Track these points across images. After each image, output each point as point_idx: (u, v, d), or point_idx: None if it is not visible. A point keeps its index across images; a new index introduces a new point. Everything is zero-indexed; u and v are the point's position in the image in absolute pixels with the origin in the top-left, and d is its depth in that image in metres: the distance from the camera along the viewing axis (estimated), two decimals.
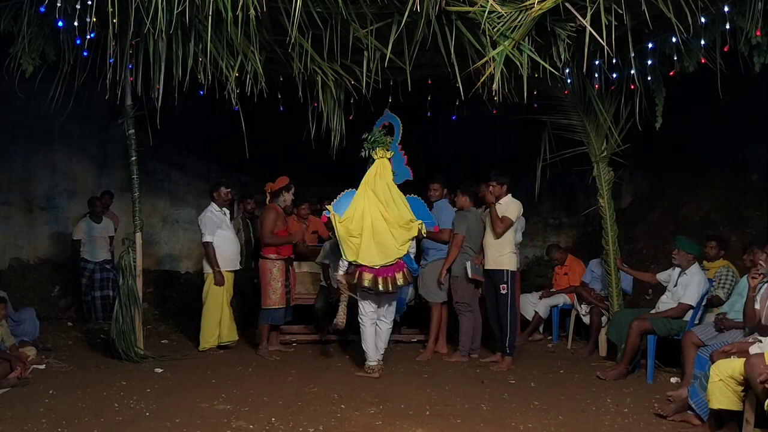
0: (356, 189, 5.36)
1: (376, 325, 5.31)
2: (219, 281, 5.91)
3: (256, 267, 6.77)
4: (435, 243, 5.91)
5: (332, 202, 5.37)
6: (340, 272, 5.25)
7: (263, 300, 5.88)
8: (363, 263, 5.09)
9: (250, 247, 6.97)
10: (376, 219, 5.19)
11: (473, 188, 6.00)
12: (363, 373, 5.26)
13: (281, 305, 5.89)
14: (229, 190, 6.20)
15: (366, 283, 5.06)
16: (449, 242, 5.86)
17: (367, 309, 5.25)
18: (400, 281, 5.14)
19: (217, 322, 5.99)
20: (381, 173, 5.35)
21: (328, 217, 5.27)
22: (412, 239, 5.30)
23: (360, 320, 5.29)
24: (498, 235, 5.51)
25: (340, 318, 5.35)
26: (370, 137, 5.43)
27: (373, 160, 5.41)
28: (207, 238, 5.91)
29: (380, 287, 5.06)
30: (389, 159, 5.43)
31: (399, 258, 5.15)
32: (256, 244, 6.69)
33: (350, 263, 5.17)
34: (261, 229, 5.89)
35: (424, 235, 5.48)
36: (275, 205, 5.94)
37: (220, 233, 5.98)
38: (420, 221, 5.28)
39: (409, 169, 5.50)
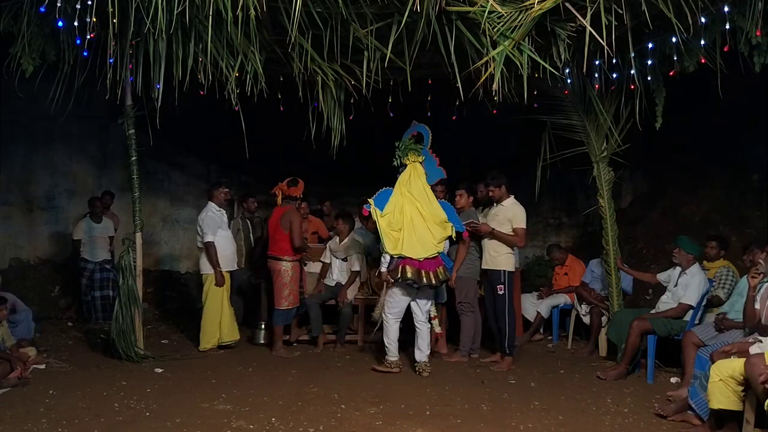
0: (392, 188, 5.50)
1: (399, 323, 5.43)
2: (220, 281, 5.91)
3: (256, 267, 6.80)
4: None
5: (372, 198, 5.48)
6: (383, 268, 5.37)
7: (277, 301, 5.91)
8: (407, 255, 5.22)
9: (249, 247, 6.98)
10: (414, 215, 5.35)
11: (474, 188, 6.01)
12: (384, 368, 5.35)
13: (295, 305, 5.94)
14: (228, 190, 6.21)
15: (410, 275, 5.17)
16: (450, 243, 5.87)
17: (394, 307, 5.35)
18: (441, 276, 5.29)
19: (218, 321, 5.98)
20: (415, 175, 5.49)
21: (369, 211, 5.42)
22: (447, 239, 5.45)
23: (385, 317, 5.38)
24: (523, 245, 5.79)
25: (377, 312, 5.54)
26: (401, 145, 5.54)
27: (405, 166, 5.53)
28: (209, 238, 5.91)
29: (424, 280, 5.19)
30: (421, 163, 5.55)
31: (438, 253, 5.31)
32: (264, 244, 6.66)
33: (392, 258, 5.28)
34: (290, 234, 5.86)
35: (455, 240, 5.61)
36: (295, 209, 5.98)
37: (220, 233, 5.99)
38: (451, 224, 5.41)
39: (443, 169, 5.68)
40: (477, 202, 6.17)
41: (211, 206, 6.07)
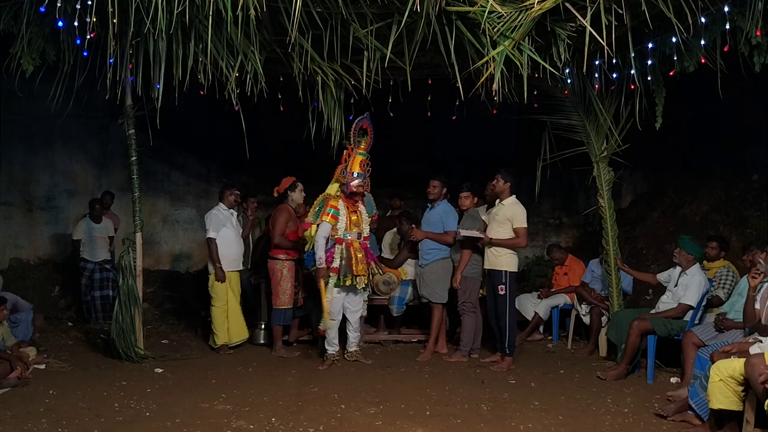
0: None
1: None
2: (220, 277, 5.93)
3: (255, 267, 6.80)
4: (436, 243, 5.90)
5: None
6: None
7: (274, 300, 5.94)
8: None
9: (249, 247, 6.97)
10: None
11: (477, 189, 6.00)
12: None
13: (290, 305, 5.94)
14: (239, 193, 6.25)
15: None
16: (453, 243, 5.87)
17: None
18: None
19: (224, 318, 6.02)
20: None
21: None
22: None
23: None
24: (526, 245, 5.72)
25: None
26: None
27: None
28: (210, 235, 5.94)
29: None
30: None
31: None
32: (265, 244, 6.66)
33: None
34: (272, 230, 5.91)
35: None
36: (287, 206, 5.98)
37: (225, 232, 6.00)
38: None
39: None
40: (483, 202, 6.17)
41: (220, 206, 6.11)
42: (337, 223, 5.43)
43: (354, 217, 5.51)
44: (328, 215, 5.41)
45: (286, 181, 6.03)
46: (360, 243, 5.51)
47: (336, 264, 5.37)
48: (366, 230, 5.62)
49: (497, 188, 5.60)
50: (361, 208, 5.62)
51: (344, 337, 5.78)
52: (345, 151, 5.57)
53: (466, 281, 5.77)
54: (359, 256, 5.41)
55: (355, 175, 5.46)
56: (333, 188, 5.63)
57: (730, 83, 4.87)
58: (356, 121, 5.52)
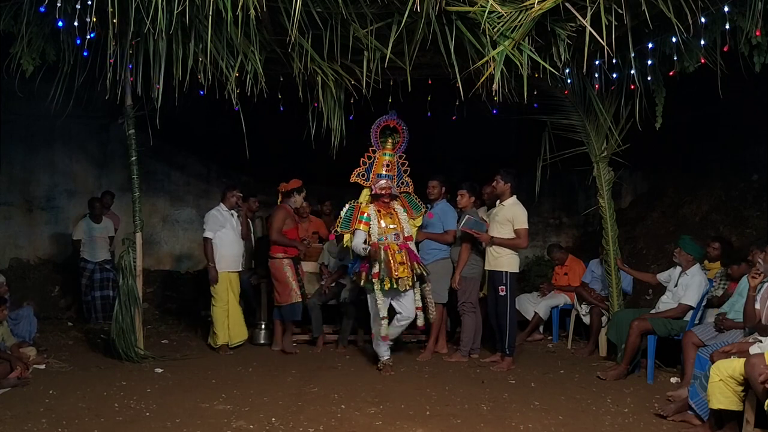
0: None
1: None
2: (212, 277, 5.94)
3: (256, 267, 6.81)
4: (437, 243, 5.90)
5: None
6: None
7: (277, 297, 5.97)
8: None
9: (251, 247, 6.97)
10: None
11: (475, 188, 6.01)
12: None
13: (298, 299, 5.97)
14: (241, 195, 6.27)
15: None
16: (453, 243, 5.87)
17: None
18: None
19: (225, 318, 6.02)
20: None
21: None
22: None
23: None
24: (527, 246, 5.66)
25: None
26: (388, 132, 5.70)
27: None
28: (207, 234, 5.97)
29: None
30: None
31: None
32: (263, 245, 6.69)
33: None
34: (269, 228, 5.94)
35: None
36: (286, 206, 6.01)
37: (224, 233, 6.01)
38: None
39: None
40: (482, 203, 6.17)
41: (221, 207, 6.12)
42: (370, 229, 5.42)
43: (388, 220, 5.47)
44: (360, 223, 5.42)
45: (295, 182, 6.08)
46: (399, 244, 5.41)
47: (376, 269, 5.24)
48: (407, 230, 5.52)
49: (497, 189, 5.60)
50: (398, 208, 5.57)
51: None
52: (366, 154, 5.61)
53: (465, 281, 5.77)
54: (398, 258, 5.30)
55: (378, 176, 5.50)
56: (364, 195, 5.65)
57: (730, 83, 4.87)
58: (376, 121, 5.57)
